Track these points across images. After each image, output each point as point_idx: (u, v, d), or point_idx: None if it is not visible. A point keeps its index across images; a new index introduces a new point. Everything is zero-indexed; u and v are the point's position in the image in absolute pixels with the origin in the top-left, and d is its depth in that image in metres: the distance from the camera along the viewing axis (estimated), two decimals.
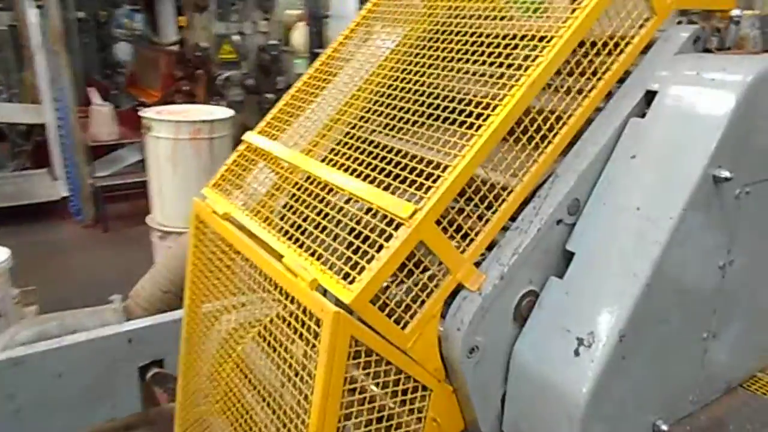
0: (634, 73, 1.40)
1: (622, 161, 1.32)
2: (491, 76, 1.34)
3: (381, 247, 1.19)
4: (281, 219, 1.49)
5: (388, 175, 1.31)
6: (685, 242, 1.23)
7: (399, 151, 1.41)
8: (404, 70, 1.59)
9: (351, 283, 1.17)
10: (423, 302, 1.25)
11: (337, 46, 1.86)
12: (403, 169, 1.29)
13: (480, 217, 1.28)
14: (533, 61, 1.27)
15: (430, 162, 1.28)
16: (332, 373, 1.16)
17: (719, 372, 1.49)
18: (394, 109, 1.51)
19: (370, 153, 1.41)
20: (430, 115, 1.40)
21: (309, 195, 1.46)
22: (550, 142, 1.31)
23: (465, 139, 1.24)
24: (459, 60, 1.48)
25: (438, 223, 1.22)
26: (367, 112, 1.61)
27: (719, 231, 1.30)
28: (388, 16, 1.83)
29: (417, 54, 1.60)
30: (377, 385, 1.25)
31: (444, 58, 1.52)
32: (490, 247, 1.32)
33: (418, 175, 1.25)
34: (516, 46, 1.35)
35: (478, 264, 1.30)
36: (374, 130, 1.56)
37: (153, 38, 7.25)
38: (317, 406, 1.17)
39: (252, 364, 1.65)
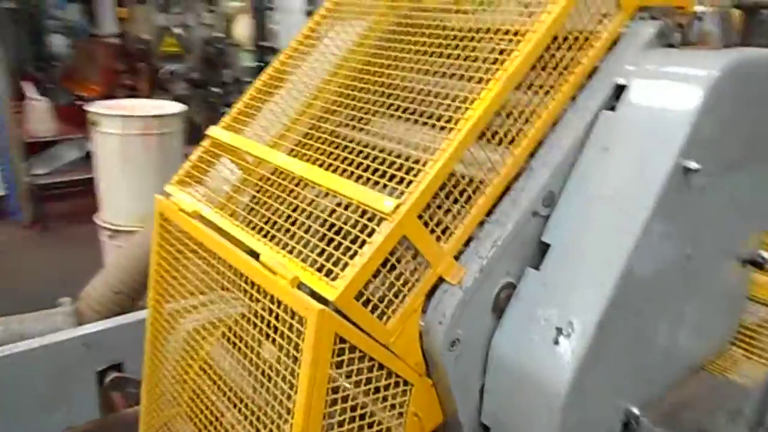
0: (602, 68, 1.43)
1: (594, 154, 1.35)
2: (467, 70, 1.34)
3: (363, 242, 1.17)
4: (253, 215, 1.45)
5: (365, 170, 1.30)
6: (657, 232, 1.26)
7: (370, 146, 1.41)
8: (371, 63, 1.58)
9: (334, 279, 1.15)
10: (404, 297, 1.25)
11: (302, 39, 1.83)
12: (381, 164, 1.28)
13: (459, 211, 1.29)
14: (509, 55, 1.29)
15: (407, 157, 1.28)
16: (317, 372, 1.15)
17: (684, 356, 1.55)
18: (362, 102, 1.50)
19: (345, 147, 1.40)
20: (406, 109, 1.39)
21: (281, 190, 1.44)
22: (525, 136, 1.33)
23: (444, 133, 1.24)
24: (427, 54, 1.48)
25: (419, 217, 1.22)
26: (336, 105, 1.59)
27: (687, 221, 1.35)
28: (352, 9, 1.81)
29: (383, 47, 1.59)
30: (359, 382, 1.24)
31: (411, 51, 1.51)
32: (466, 242, 1.33)
33: (398, 170, 1.24)
34: (490, 41, 1.36)
35: (456, 257, 1.30)
36: (344, 124, 1.54)
37: (91, 30, 6.97)
38: (302, 406, 1.15)
39: (219, 366, 1.62)
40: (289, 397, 1.20)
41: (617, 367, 1.32)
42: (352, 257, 1.16)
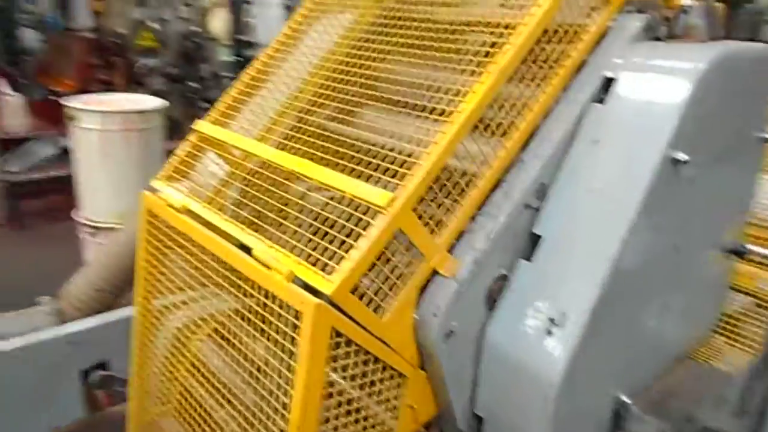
0: (590, 61, 1.44)
1: (584, 146, 1.36)
2: (458, 63, 1.35)
3: (358, 236, 1.17)
4: (243, 210, 1.44)
5: (358, 163, 1.29)
6: (648, 223, 1.28)
7: (361, 139, 1.41)
8: (358, 56, 1.57)
9: (330, 273, 1.15)
10: (399, 290, 1.25)
11: (288, 33, 1.81)
12: (374, 158, 1.28)
13: (452, 204, 1.29)
14: (501, 48, 1.29)
15: (400, 150, 1.28)
16: (314, 366, 1.14)
17: (671, 344, 1.58)
18: (349, 95, 1.50)
19: (335, 141, 1.40)
20: (397, 102, 1.39)
21: (271, 184, 1.43)
22: (516, 129, 1.34)
23: (438, 126, 1.25)
24: (414, 46, 1.48)
25: (413, 210, 1.22)
26: (323, 98, 1.58)
27: (675, 212, 1.37)
28: (338, 2, 1.80)
29: (370, 40, 1.59)
30: (354, 375, 1.24)
31: (398, 44, 1.51)
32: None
33: (391, 163, 1.24)
34: (480, 33, 1.36)
35: (449, 250, 1.31)
36: (333, 117, 1.54)
37: (65, 24, 6.83)
38: (299, 400, 1.15)
39: (210, 363, 1.61)
40: (285, 393, 1.20)
41: (608, 357, 1.34)
42: (347, 251, 1.16)
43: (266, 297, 1.24)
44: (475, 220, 1.33)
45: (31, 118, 6.42)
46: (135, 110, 3.80)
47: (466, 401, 1.39)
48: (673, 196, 1.33)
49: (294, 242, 1.27)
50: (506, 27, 1.33)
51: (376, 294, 1.22)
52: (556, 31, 1.38)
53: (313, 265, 1.19)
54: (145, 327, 1.73)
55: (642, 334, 1.45)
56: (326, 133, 1.46)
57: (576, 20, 1.42)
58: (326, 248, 1.21)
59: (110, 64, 6.44)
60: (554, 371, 1.24)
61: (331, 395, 1.23)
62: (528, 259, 1.35)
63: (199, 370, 1.60)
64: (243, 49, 9.50)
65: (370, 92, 1.46)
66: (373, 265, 1.20)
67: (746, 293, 1.82)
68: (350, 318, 1.18)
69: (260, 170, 1.48)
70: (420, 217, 1.24)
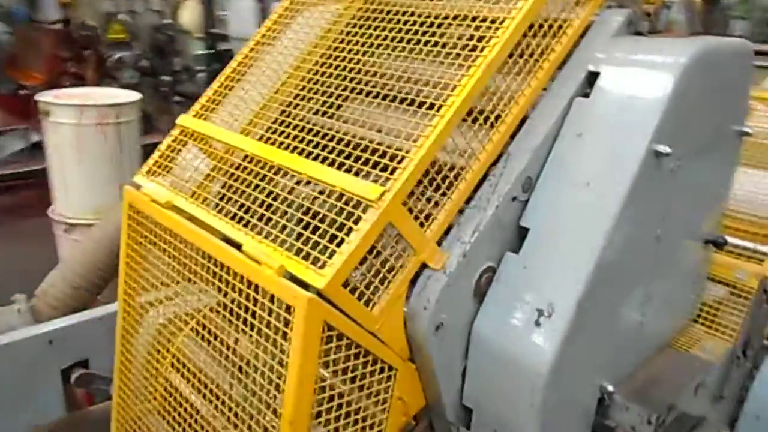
0: (574, 55, 1.46)
1: (569, 139, 1.38)
2: (446, 57, 1.35)
3: (349, 230, 1.17)
4: (230, 204, 1.43)
5: (347, 158, 1.29)
6: (632, 215, 1.31)
7: (350, 133, 1.41)
8: (342, 49, 1.57)
9: (321, 267, 1.15)
10: (389, 283, 1.26)
11: (270, 25, 1.80)
12: (363, 151, 1.28)
13: (441, 197, 1.30)
14: (488, 42, 1.30)
15: (389, 144, 1.28)
16: (306, 360, 1.14)
17: (653, 333, 1.61)
18: (333, 87, 1.49)
19: (324, 135, 1.39)
20: (385, 96, 1.39)
21: (258, 178, 1.42)
22: (503, 122, 1.35)
23: (426, 119, 1.25)
24: (398, 39, 1.48)
25: (403, 204, 1.22)
26: (308, 91, 1.58)
27: (657, 203, 1.40)
28: None
29: (353, 33, 1.58)
30: (345, 369, 1.25)
31: (382, 38, 1.51)
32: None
33: (381, 157, 1.25)
34: (467, 27, 1.37)
35: (438, 243, 1.32)
36: (319, 110, 1.54)
37: (32, 16, 6.67)
38: (292, 395, 1.15)
39: (194, 359, 1.59)
40: (278, 387, 1.20)
41: (594, 346, 1.37)
42: (339, 245, 1.16)
43: (256, 292, 1.24)
44: (463, 213, 1.34)
45: None
46: (110, 104, 3.73)
47: (455, 393, 1.40)
48: (655, 188, 1.36)
49: (284, 237, 1.27)
50: (493, 21, 1.34)
51: (366, 287, 1.22)
52: (541, 26, 1.39)
53: (304, 259, 1.19)
54: (128, 324, 1.71)
55: (625, 323, 1.48)
56: (312, 127, 1.45)
57: (560, 15, 1.44)
58: (316, 242, 1.21)
59: (81, 58, 6.31)
60: (542, 362, 1.26)
61: (322, 390, 1.23)
62: (515, 251, 1.36)
63: (184, 366, 1.59)
64: (216, 42, 9.42)
65: (355, 86, 1.46)
66: (364, 258, 1.20)
67: (724, 283, 1.87)
68: (342, 312, 1.18)
69: (245, 164, 1.47)
70: (410, 211, 1.24)
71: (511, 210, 1.36)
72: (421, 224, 1.27)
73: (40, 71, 6.40)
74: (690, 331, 1.78)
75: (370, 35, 1.52)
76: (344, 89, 1.47)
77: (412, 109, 1.31)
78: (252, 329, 1.26)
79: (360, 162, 1.27)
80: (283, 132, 1.46)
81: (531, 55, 1.38)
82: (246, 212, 1.37)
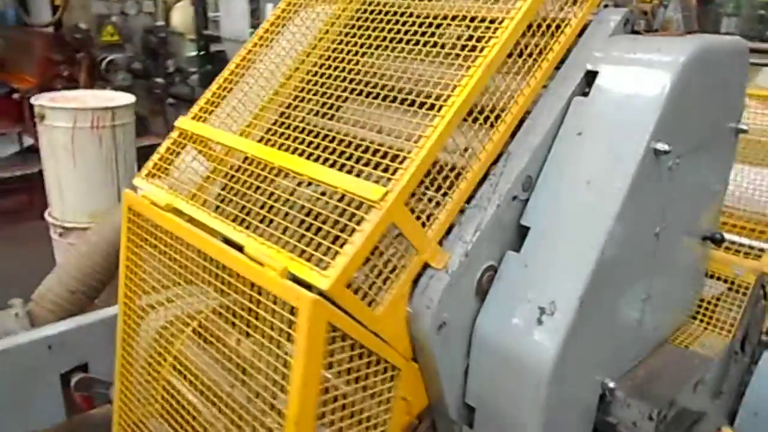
0: (572, 54, 1.47)
1: (569, 138, 1.39)
2: (446, 57, 1.36)
3: (352, 230, 1.18)
4: (231, 206, 1.43)
5: (349, 159, 1.30)
6: (632, 212, 1.32)
7: (351, 134, 1.41)
8: (340, 50, 1.57)
9: (325, 268, 1.16)
10: (392, 283, 1.26)
11: (268, 27, 1.80)
12: (365, 152, 1.29)
13: (442, 197, 1.30)
14: (488, 42, 1.31)
15: (390, 145, 1.28)
16: (311, 361, 1.15)
17: (653, 329, 1.62)
18: (332, 89, 1.50)
19: (324, 136, 1.39)
20: (385, 97, 1.40)
21: (258, 180, 1.42)
22: (503, 122, 1.35)
23: (427, 120, 1.26)
24: (396, 41, 1.49)
25: (405, 204, 1.23)
26: (307, 93, 1.58)
27: (657, 200, 1.41)
28: None
29: (351, 34, 1.59)
30: (349, 369, 1.25)
31: (380, 38, 1.51)
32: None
33: (382, 157, 1.25)
34: (466, 28, 1.38)
35: (439, 243, 1.32)
36: (319, 112, 1.54)
37: (24, 19, 6.64)
38: (297, 396, 1.15)
39: (195, 361, 1.59)
40: (282, 389, 1.20)
41: (595, 343, 1.38)
42: (342, 246, 1.17)
43: (259, 294, 1.24)
44: (464, 213, 1.34)
45: None
46: (106, 107, 3.71)
47: (457, 392, 1.41)
48: (654, 186, 1.37)
49: (286, 238, 1.27)
50: (492, 21, 1.34)
51: (369, 288, 1.23)
52: (539, 25, 1.40)
53: (307, 261, 1.19)
54: (129, 327, 1.71)
55: (626, 320, 1.49)
56: (312, 128, 1.46)
57: (558, 14, 1.45)
58: (319, 243, 1.21)
59: (73, 60, 6.28)
60: (545, 359, 1.27)
61: (326, 390, 1.23)
62: (516, 250, 1.37)
63: (186, 368, 1.59)
64: (208, 44, 9.40)
65: (354, 86, 1.47)
66: (367, 259, 1.21)
67: (722, 279, 1.88)
68: (345, 312, 1.19)
69: (245, 166, 1.47)
70: (411, 211, 1.25)
71: (511, 209, 1.37)
72: (423, 224, 1.27)
73: (32, 74, 6.37)
74: (689, 327, 1.79)
75: (369, 36, 1.52)
76: (343, 90, 1.48)
77: (413, 110, 1.31)
78: (255, 331, 1.27)
79: (361, 163, 1.27)
80: (282, 133, 1.46)
81: (530, 55, 1.38)
82: (247, 214, 1.37)
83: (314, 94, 1.54)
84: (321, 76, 1.55)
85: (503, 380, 1.35)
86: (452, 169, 1.31)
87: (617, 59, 1.40)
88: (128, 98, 4.01)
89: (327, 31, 1.71)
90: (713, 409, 1.76)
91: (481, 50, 1.30)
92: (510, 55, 1.35)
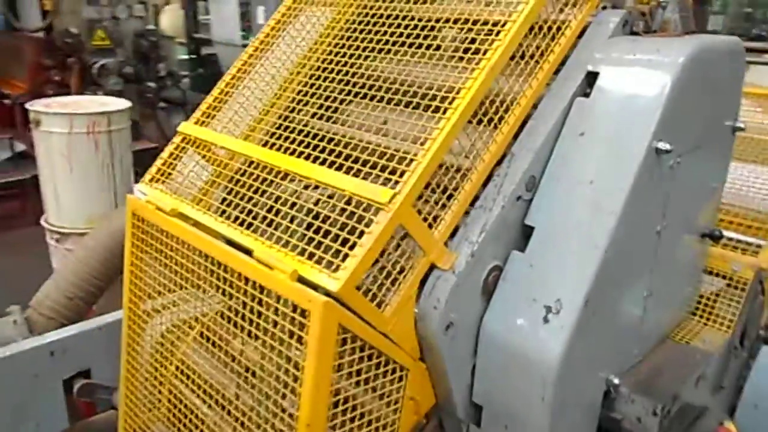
0: (573, 56, 1.48)
1: (571, 139, 1.41)
2: (449, 60, 1.37)
3: (361, 233, 1.19)
4: (237, 211, 1.44)
5: (355, 162, 1.31)
6: (635, 211, 1.33)
7: (357, 137, 1.42)
8: (343, 54, 1.59)
9: (335, 271, 1.17)
10: (400, 285, 1.27)
11: (269, 31, 1.81)
12: (370, 155, 1.30)
13: (448, 199, 1.32)
14: (491, 45, 1.32)
15: (396, 148, 1.30)
16: (322, 363, 1.16)
17: (654, 326, 1.64)
18: (336, 92, 1.51)
19: (330, 140, 1.41)
20: (390, 100, 1.41)
21: (262, 183, 1.43)
22: (506, 123, 1.37)
23: (432, 123, 1.27)
24: (398, 44, 1.50)
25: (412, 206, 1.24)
26: (310, 96, 1.60)
27: (658, 198, 1.43)
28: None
29: (351, 38, 1.60)
30: (359, 370, 1.26)
31: (381, 42, 1.52)
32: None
33: (389, 160, 1.26)
34: (469, 30, 1.40)
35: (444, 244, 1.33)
36: (325, 116, 1.54)
37: (14, 24, 6.60)
38: (308, 398, 1.16)
39: (201, 366, 1.60)
40: (293, 391, 1.21)
41: (600, 340, 1.39)
42: (351, 248, 1.18)
43: (269, 297, 1.25)
44: (470, 214, 1.36)
45: None
46: (101, 112, 3.70)
47: (465, 390, 1.42)
48: (656, 184, 1.39)
49: (294, 241, 1.28)
50: (494, 24, 1.36)
51: (378, 289, 1.24)
52: (540, 27, 1.42)
53: (317, 263, 1.20)
54: (134, 332, 1.71)
55: (629, 317, 1.51)
56: (317, 132, 1.47)
57: (558, 16, 1.46)
58: (328, 246, 1.22)
59: (64, 65, 6.25)
60: (552, 357, 1.28)
61: (336, 392, 1.24)
62: (521, 250, 1.38)
63: (194, 372, 1.60)
64: (199, 47, 9.38)
65: (359, 90, 1.48)
66: (375, 261, 1.22)
67: (720, 275, 1.91)
68: (355, 314, 1.20)
69: (250, 170, 1.48)
70: (418, 213, 1.26)
71: (515, 209, 1.39)
72: (429, 225, 1.28)
73: (23, 80, 6.34)
74: (689, 323, 1.82)
75: (371, 39, 1.54)
76: (347, 93, 1.49)
77: (417, 113, 1.33)
78: (265, 334, 1.27)
79: (368, 165, 1.28)
80: (287, 137, 1.47)
81: (531, 57, 1.40)
82: (254, 218, 1.37)
83: (318, 98, 1.55)
84: (324, 80, 1.56)
85: (510, 379, 1.36)
86: (457, 170, 1.33)
87: (617, 60, 1.42)
88: (124, 103, 4.01)
89: (329, 34, 1.72)
90: (714, 404, 1.79)
91: (485, 53, 1.32)
92: (512, 58, 1.37)
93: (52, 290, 2.83)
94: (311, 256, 1.22)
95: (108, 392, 2.10)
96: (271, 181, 1.43)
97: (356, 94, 1.49)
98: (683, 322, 1.83)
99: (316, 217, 1.29)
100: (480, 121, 1.34)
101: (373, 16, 1.60)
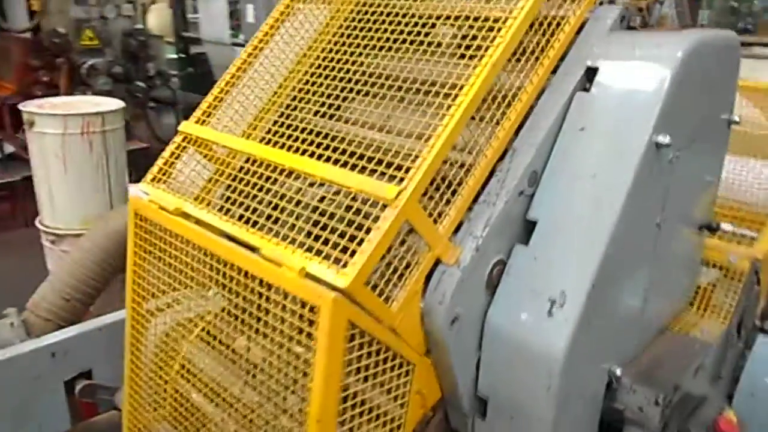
0: (572, 51, 1.50)
1: (571, 133, 1.42)
2: (451, 57, 1.39)
3: (368, 229, 1.20)
4: (241, 208, 1.44)
5: (360, 159, 1.32)
6: (635, 204, 1.35)
7: (355, 134, 1.43)
8: (344, 51, 1.59)
9: (344, 267, 1.17)
10: (406, 280, 1.28)
11: (267, 30, 1.81)
12: (375, 151, 1.31)
13: (452, 194, 1.33)
14: (492, 41, 1.33)
15: (400, 144, 1.31)
16: (332, 358, 1.17)
17: (654, 317, 1.67)
18: (338, 90, 1.51)
19: (333, 137, 1.41)
20: (392, 97, 1.42)
21: (265, 181, 1.44)
22: (508, 119, 1.38)
23: (437, 119, 1.28)
24: (398, 41, 1.51)
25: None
26: (312, 94, 1.60)
27: (658, 191, 1.45)
28: None
29: (350, 35, 1.61)
30: (368, 366, 1.27)
31: (382, 39, 1.53)
32: None
33: (393, 156, 1.27)
34: (470, 27, 1.41)
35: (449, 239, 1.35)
36: (327, 113, 1.55)
37: (1, 24, 6.54)
38: (319, 393, 1.17)
39: (206, 364, 1.61)
40: (302, 387, 1.22)
41: (603, 332, 1.41)
42: (359, 244, 1.19)
43: (276, 294, 1.25)
44: (473, 209, 1.37)
45: None
46: (96, 112, 3.68)
47: (470, 384, 1.43)
48: (656, 178, 1.41)
49: (300, 238, 1.28)
50: (496, 20, 1.37)
51: (385, 285, 1.25)
52: (540, 23, 1.43)
53: (325, 259, 1.21)
54: (137, 331, 1.71)
55: (630, 308, 1.53)
56: (321, 129, 1.48)
57: (557, 12, 1.48)
58: (336, 243, 1.23)
59: (52, 66, 6.20)
60: (557, 349, 1.30)
61: (345, 387, 1.25)
62: (525, 243, 1.40)
63: (198, 371, 1.60)
64: (188, 46, 9.32)
65: (361, 87, 1.49)
66: (382, 257, 1.23)
67: (716, 266, 1.94)
68: (363, 309, 1.21)
69: (254, 168, 1.48)
70: (424, 209, 1.27)
71: (518, 204, 1.40)
72: (434, 221, 1.30)
73: (10, 81, 6.29)
74: (687, 314, 1.84)
75: (371, 37, 1.55)
76: (349, 91, 1.50)
77: (421, 109, 1.34)
78: (273, 331, 1.28)
79: (373, 162, 1.29)
80: (291, 135, 1.47)
81: (532, 53, 1.41)
82: (259, 216, 1.38)
83: (321, 96, 1.56)
84: (326, 78, 1.57)
85: (515, 371, 1.38)
86: (461, 166, 1.34)
87: (616, 55, 1.44)
88: (117, 103, 3.99)
89: (327, 32, 1.72)
90: (712, 393, 1.81)
91: (486, 49, 1.33)
92: (513, 54, 1.38)
93: (49, 292, 2.82)
94: (318, 252, 1.23)
95: (109, 393, 2.10)
96: (275, 179, 1.43)
97: (358, 92, 1.50)
98: (682, 312, 1.85)
99: (321, 214, 1.30)
100: (483, 117, 1.35)
101: (372, 13, 1.61)
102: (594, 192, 1.36)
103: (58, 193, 3.65)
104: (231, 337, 1.50)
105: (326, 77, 1.57)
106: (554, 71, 1.48)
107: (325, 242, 1.24)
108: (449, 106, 1.28)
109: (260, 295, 1.29)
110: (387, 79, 1.48)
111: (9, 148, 6.13)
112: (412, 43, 1.48)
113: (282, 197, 1.39)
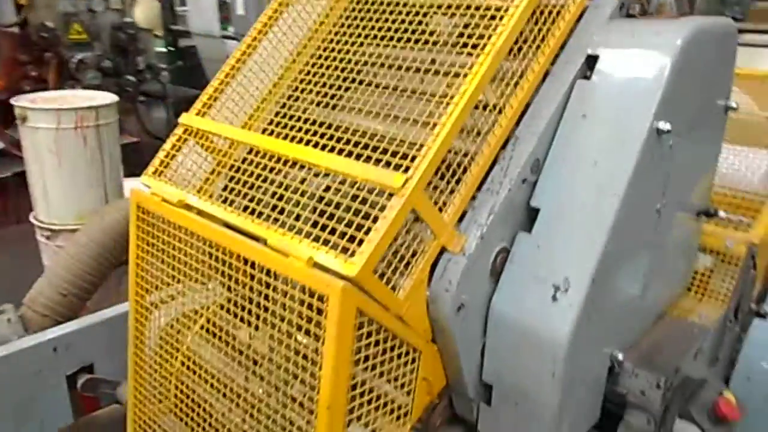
0: (572, 40, 1.51)
1: (573, 121, 1.43)
2: (453, 46, 1.39)
3: (375, 218, 1.21)
4: (245, 199, 1.44)
5: (365, 148, 1.32)
6: (637, 190, 1.37)
7: (359, 123, 1.44)
8: (345, 41, 1.59)
9: (352, 255, 1.18)
10: (413, 268, 1.29)
11: (266, 20, 1.81)
12: (379, 141, 1.31)
13: (456, 182, 1.34)
14: (495, 30, 1.34)
15: (405, 133, 1.32)
16: (341, 347, 1.18)
17: (654, 301, 1.69)
18: (340, 80, 1.52)
19: (337, 128, 1.41)
20: (395, 87, 1.42)
21: (272, 173, 1.44)
22: (510, 107, 1.39)
23: (441, 107, 1.29)
24: (400, 30, 1.51)
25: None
26: (314, 85, 1.60)
27: (659, 178, 1.47)
28: None
29: (354, 26, 1.61)
30: (376, 353, 1.28)
31: (383, 29, 1.53)
32: None
33: (398, 145, 1.28)
34: (472, 16, 1.41)
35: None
36: (326, 103, 1.55)
37: None
38: (329, 382, 1.18)
39: (210, 356, 1.61)
40: (313, 375, 1.23)
41: (606, 317, 1.43)
42: (366, 233, 1.19)
43: (284, 284, 1.26)
44: (477, 197, 1.38)
45: None
46: (89, 106, 3.66)
47: (475, 370, 1.45)
48: (657, 164, 1.42)
49: (307, 228, 1.29)
50: (497, 9, 1.38)
51: (392, 273, 1.26)
52: (541, 11, 1.44)
53: (332, 249, 1.22)
54: (141, 325, 1.71)
55: (631, 293, 1.55)
56: (322, 120, 1.48)
57: (558, 1, 1.49)
58: (342, 232, 1.23)
59: (41, 60, 6.15)
60: (561, 335, 1.31)
61: (353, 376, 1.26)
62: (528, 231, 1.41)
63: (202, 363, 1.61)
64: (177, 39, 9.26)
65: (363, 77, 1.49)
66: (389, 245, 1.24)
67: (713, 252, 1.96)
68: (371, 298, 1.22)
69: (257, 159, 1.48)
70: (429, 197, 1.28)
71: (521, 192, 1.41)
72: (440, 209, 1.31)
73: None
74: (685, 298, 1.87)
75: (372, 27, 1.55)
76: (351, 81, 1.50)
77: (425, 98, 1.35)
78: (281, 321, 1.29)
79: (378, 152, 1.30)
80: (293, 126, 1.48)
81: (533, 41, 1.42)
82: (264, 207, 1.38)
83: (323, 86, 1.56)
84: (328, 69, 1.57)
85: (520, 357, 1.40)
86: (465, 155, 1.35)
87: (617, 42, 1.45)
88: (111, 97, 3.96)
89: (327, 22, 1.72)
90: (711, 376, 1.84)
91: (489, 37, 1.34)
92: (515, 42, 1.39)
93: (46, 287, 2.81)
94: (325, 242, 1.24)
95: (111, 387, 2.10)
96: (278, 170, 1.44)
97: (360, 81, 1.51)
98: (680, 297, 1.88)
99: (327, 204, 1.30)
100: (486, 105, 1.36)
101: (373, 3, 1.61)
102: (596, 179, 1.37)
103: (52, 188, 3.63)
104: (236, 328, 1.51)
105: (327, 67, 1.58)
106: (554, 59, 1.49)
107: (332, 232, 1.24)
108: (453, 95, 1.29)
109: (267, 285, 1.30)
110: (389, 68, 1.48)
111: (1, 144, 6.08)
112: (413, 32, 1.48)
113: (286, 188, 1.39)
